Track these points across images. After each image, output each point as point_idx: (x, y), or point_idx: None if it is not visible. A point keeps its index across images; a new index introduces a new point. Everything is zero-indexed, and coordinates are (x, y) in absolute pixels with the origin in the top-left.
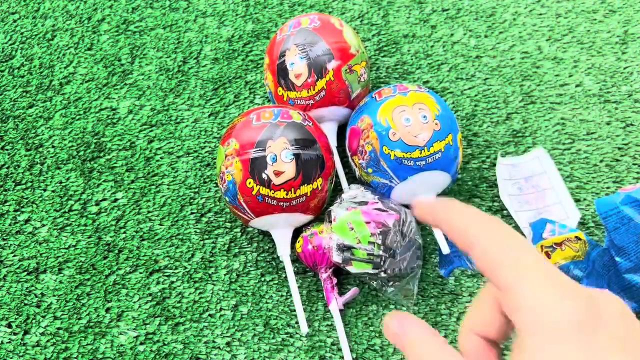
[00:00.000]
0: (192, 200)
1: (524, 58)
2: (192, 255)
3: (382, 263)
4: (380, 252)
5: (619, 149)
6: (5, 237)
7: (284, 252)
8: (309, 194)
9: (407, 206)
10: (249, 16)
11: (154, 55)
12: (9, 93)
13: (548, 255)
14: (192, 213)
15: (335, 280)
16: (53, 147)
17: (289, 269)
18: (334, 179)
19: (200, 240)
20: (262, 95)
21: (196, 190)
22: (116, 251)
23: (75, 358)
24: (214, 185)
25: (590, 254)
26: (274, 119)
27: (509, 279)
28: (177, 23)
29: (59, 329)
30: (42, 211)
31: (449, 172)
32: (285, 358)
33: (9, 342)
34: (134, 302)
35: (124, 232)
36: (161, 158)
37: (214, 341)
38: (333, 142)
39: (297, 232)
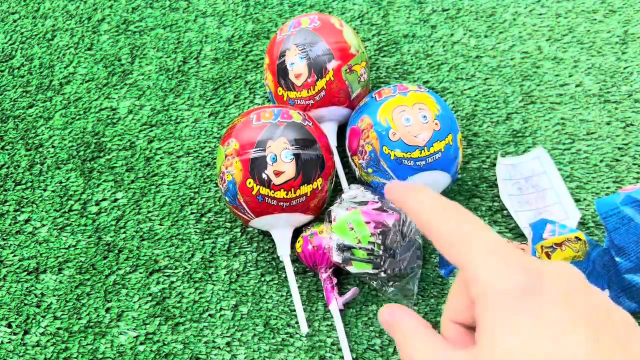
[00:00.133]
0: (192, 200)
1: (524, 58)
2: (192, 255)
3: (382, 263)
4: (380, 252)
5: (619, 149)
6: (5, 237)
7: (284, 252)
8: (309, 194)
9: None
10: (249, 16)
11: (154, 55)
12: (9, 93)
13: (548, 256)
14: (192, 213)
15: (335, 280)
16: (53, 147)
17: (289, 269)
18: (334, 179)
19: (200, 240)
20: (262, 95)
21: (196, 190)
22: (116, 251)
23: (75, 358)
24: (214, 185)
25: (590, 254)
26: (274, 119)
27: (461, 257)
28: (177, 23)
29: (59, 329)
30: (42, 211)
31: (449, 172)
32: (285, 358)
33: (9, 342)
34: (134, 302)
35: (124, 232)
36: (161, 158)
37: (214, 341)
38: (333, 142)
39: (297, 232)
